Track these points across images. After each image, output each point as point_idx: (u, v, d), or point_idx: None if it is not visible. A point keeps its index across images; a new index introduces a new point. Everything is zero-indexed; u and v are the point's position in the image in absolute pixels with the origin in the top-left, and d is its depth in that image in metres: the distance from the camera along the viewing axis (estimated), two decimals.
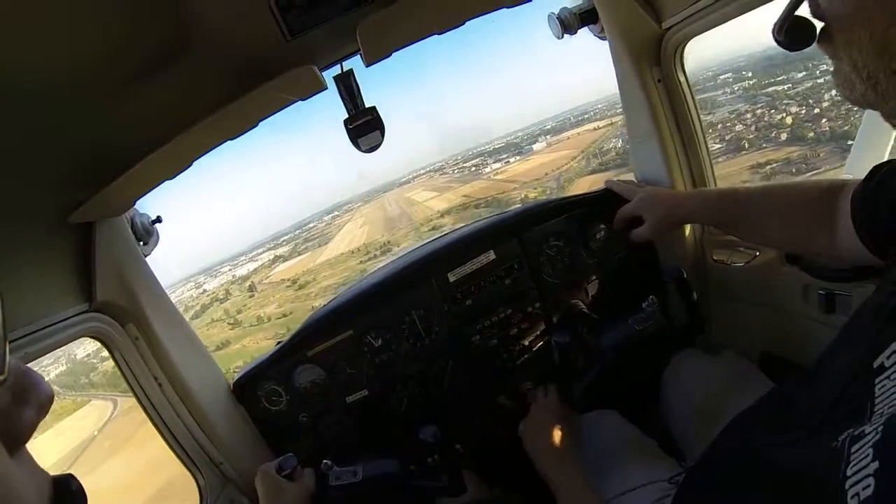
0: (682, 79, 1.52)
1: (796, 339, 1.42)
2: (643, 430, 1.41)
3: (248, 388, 1.66)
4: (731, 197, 1.27)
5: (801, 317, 1.37)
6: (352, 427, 1.71)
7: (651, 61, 1.51)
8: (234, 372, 1.70)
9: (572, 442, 1.38)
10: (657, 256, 1.69)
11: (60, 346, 1.25)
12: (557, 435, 1.40)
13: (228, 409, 1.60)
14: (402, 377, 1.70)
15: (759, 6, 1.21)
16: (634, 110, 1.58)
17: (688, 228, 1.61)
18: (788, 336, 1.45)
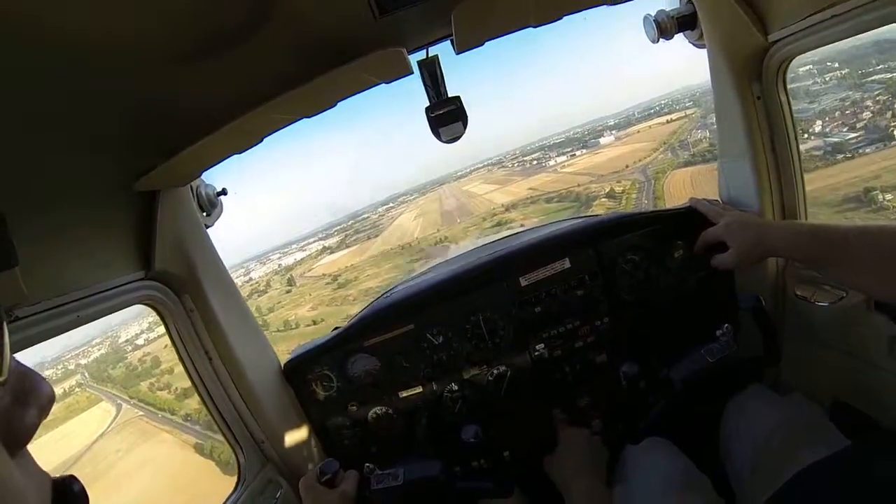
0: (783, 98, 1.41)
1: (874, 392, 1.32)
2: (697, 463, 1.35)
3: (299, 370, 1.65)
4: (825, 235, 1.16)
5: (883, 370, 1.27)
6: (400, 422, 1.68)
7: (752, 76, 1.40)
8: None
9: (603, 476, 1.37)
10: (734, 283, 1.60)
11: (113, 312, 1.25)
12: (588, 468, 1.37)
13: (277, 389, 1.59)
14: (459, 378, 1.66)
15: (878, 27, 1.10)
16: (728, 126, 1.47)
17: (770, 258, 1.50)
18: (866, 388, 1.34)
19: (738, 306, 1.36)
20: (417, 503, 1.30)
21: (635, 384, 1.34)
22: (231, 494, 1.43)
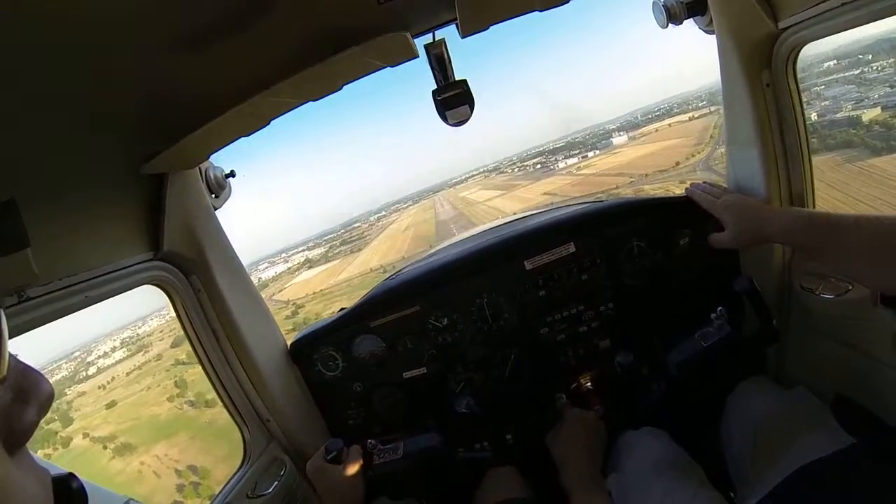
0: (793, 86, 1.39)
1: (877, 387, 1.31)
2: (693, 455, 1.35)
3: (305, 350, 1.68)
4: (822, 221, 1.16)
5: (886, 366, 1.25)
6: (404, 402, 1.71)
7: (762, 63, 1.37)
8: None
9: (600, 462, 1.39)
10: (740, 272, 1.58)
11: (122, 292, 1.28)
12: (588, 452, 1.39)
13: (282, 369, 1.63)
14: (462, 360, 1.68)
15: (889, 16, 1.08)
16: (737, 114, 1.46)
17: (777, 248, 1.49)
18: (869, 383, 1.33)
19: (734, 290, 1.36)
20: (418, 474, 1.34)
21: (634, 372, 1.35)
22: (237, 471, 1.47)
